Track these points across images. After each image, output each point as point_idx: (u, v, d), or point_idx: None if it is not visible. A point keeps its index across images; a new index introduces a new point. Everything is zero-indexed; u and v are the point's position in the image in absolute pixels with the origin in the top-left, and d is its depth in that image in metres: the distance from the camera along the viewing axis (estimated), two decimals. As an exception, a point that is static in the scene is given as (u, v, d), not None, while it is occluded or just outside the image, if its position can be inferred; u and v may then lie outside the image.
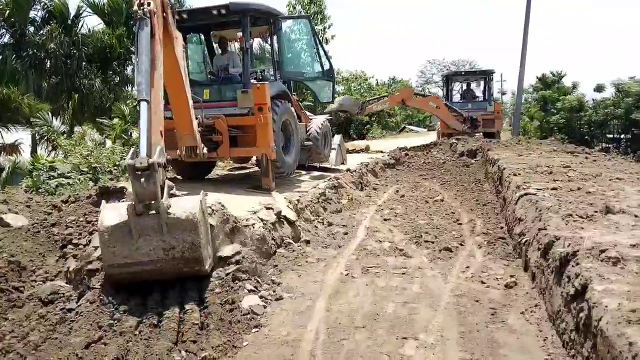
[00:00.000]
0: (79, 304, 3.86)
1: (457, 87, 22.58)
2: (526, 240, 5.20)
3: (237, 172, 11.13)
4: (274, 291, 4.64)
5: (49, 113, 15.92)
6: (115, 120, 13.53)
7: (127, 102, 15.78)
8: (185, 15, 8.44)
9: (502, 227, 7.03)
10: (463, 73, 23.82)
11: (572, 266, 3.54)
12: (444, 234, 6.80)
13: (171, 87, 6.09)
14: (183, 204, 4.11)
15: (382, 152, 16.51)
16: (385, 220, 7.71)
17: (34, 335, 3.52)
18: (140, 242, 3.84)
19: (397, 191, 10.40)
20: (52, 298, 3.99)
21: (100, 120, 15.04)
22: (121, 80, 21.00)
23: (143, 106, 4.26)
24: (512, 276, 4.95)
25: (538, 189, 6.33)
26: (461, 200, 9.35)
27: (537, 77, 36.79)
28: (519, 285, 4.75)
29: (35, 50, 18.27)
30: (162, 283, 4.21)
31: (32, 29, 19.27)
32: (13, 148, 19.55)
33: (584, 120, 28.50)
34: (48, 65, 17.57)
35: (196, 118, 7.17)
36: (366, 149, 17.80)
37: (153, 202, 3.87)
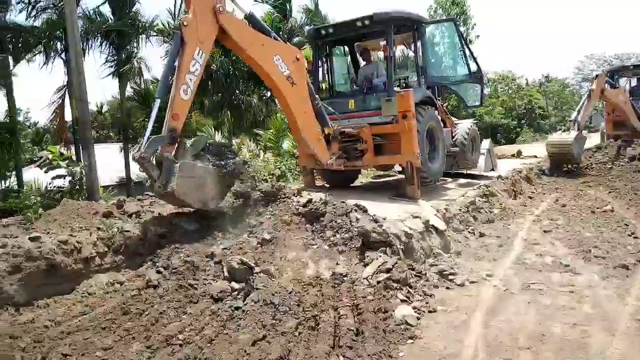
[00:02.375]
0: (245, 302, 4.17)
1: (623, 84, 19.99)
2: None
3: (381, 180, 11.16)
4: (427, 303, 4.53)
5: (212, 127, 17.65)
6: (270, 131, 14.50)
7: (277, 114, 16.84)
8: (330, 30, 8.75)
9: (691, 243, 6.05)
10: (632, 67, 20.99)
11: None
12: (617, 248, 6.05)
13: (273, 92, 6.98)
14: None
15: (536, 157, 15.29)
16: (545, 231, 7.11)
17: (208, 329, 3.88)
18: None
19: (557, 200, 9.53)
20: (222, 296, 4.35)
21: (256, 131, 16.22)
22: (272, 95, 22.48)
23: (155, 103, 5.62)
24: None
25: None
26: (635, 210, 8.25)
27: None
28: None
29: (200, 71, 20.47)
30: (316, 286, 4.38)
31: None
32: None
33: None
34: (210, 84, 19.46)
35: (326, 127, 7.50)
36: (517, 154, 16.63)
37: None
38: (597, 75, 14.99)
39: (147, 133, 5.69)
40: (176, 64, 5.88)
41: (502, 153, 16.46)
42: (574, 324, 3.98)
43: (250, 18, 6.86)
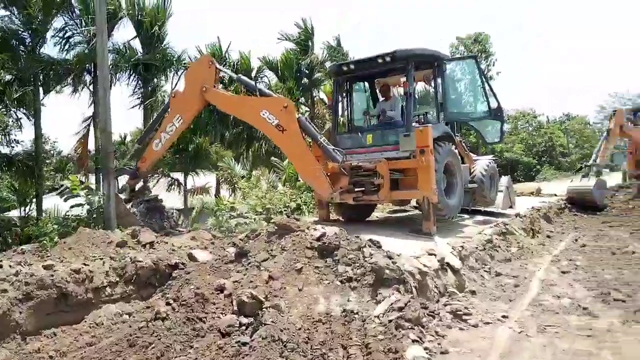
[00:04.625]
0: (252, 338, 4.11)
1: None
2: None
3: (397, 215, 11.08)
4: (439, 344, 4.40)
5: (232, 159, 17.90)
6: (285, 162, 14.63)
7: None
8: (352, 66, 8.89)
9: None
10: (655, 106, 20.78)
11: None
12: (638, 292, 5.83)
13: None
14: None
15: (556, 195, 15.06)
16: (563, 272, 6.92)
17: (214, 364, 3.83)
18: None
19: (577, 240, 9.32)
20: (229, 330, 4.31)
21: (274, 161, 16.40)
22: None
23: (134, 146, 7.38)
24: None
25: None
26: (659, 252, 7.99)
27: None
28: None
29: (221, 104, 20.95)
30: (326, 323, 4.31)
31: (220, 85, 22.16)
32: (204, 190, 22.36)
33: None
34: (231, 117, 19.84)
35: (332, 162, 7.86)
36: (537, 192, 16.41)
37: None
38: (614, 112, 14.85)
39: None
40: None
41: (521, 190, 16.25)
42: (593, 371, 3.82)
43: (238, 80, 8.26)
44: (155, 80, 21.30)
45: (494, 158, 11.44)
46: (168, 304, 4.75)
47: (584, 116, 51.46)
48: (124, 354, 3.95)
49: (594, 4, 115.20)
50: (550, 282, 6.46)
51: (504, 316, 5.14)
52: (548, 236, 9.96)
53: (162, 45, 20.58)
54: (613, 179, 18.24)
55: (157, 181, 21.25)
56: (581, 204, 13.27)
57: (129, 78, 20.40)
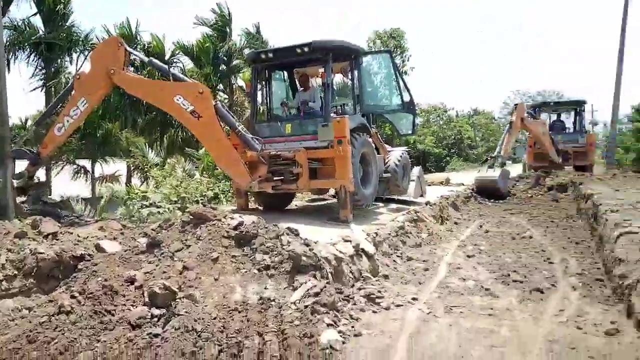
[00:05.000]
0: (164, 329, 3.99)
1: (545, 118, 21.51)
2: (629, 284, 4.73)
3: (315, 204, 11.22)
4: (353, 327, 4.53)
5: (146, 145, 17.13)
6: (202, 151, 14.27)
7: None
8: (270, 54, 8.82)
9: (598, 268, 6.48)
10: (552, 104, 22.64)
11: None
12: (534, 273, 6.36)
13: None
14: None
15: (463, 184, 15.99)
16: (468, 256, 7.37)
17: (123, 358, 3.67)
18: None
19: (481, 226, 9.97)
20: (140, 322, 4.15)
21: (189, 151, 15.92)
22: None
23: (31, 130, 6.90)
24: (613, 322, 4.50)
25: (641, 228, 5.79)
26: (551, 237, 8.76)
27: (632, 107, 34.29)
28: (622, 332, 4.30)
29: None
30: (242, 311, 4.29)
31: (132, 68, 21.06)
32: (113, 178, 21.21)
33: (687, 153, 25.96)
34: (144, 102, 18.97)
35: (250, 150, 7.74)
36: (446, 182, 17.32)
37: None
38: (516, 105, 15.99)
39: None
40: None
41: (431, 180, 17.07)
42: (492, 346, 4.12)
43: (149, 64, 7.81)
44: (60, 61, 19.82)
45: (407, 149, 11.91)
46: (73, 297, 4.47)
47: (490, 111, 55.14)
48: (23, 351, 3.67)
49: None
50: (456, 265, 6.86)
51: (414, 298, 5.39)
52: (455, 223, 10.56)
53: (67, 24, 19.16)
54: (515, 170, 19.71)
55: (62, 168, 19.88)
56: (487, 192, 14.22)
57: (29, 58, 18.83)
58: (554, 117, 20.98)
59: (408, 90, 10.26)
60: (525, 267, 6.68)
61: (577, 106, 20.32)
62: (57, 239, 5.69)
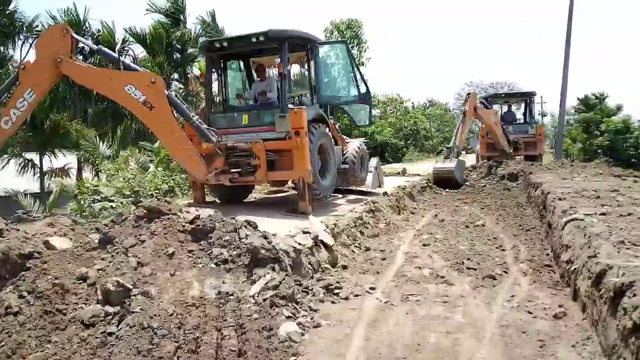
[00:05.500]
0: (119, 327, 3.89)
1: (496, 109, 22.15)
2: (575, 268, 4.96)
3: (274, 196, 11.18)
4: (312, 318, 4.56)
5: (97, 137, 16.52)
6: (157, 145, 13.91)
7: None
8: (225, 43, 8.66)
9: (547, 254, 6.76)
10: (503, 95, 23.35)
11: (629, 297, 3.33)
12: (486, 260, 6.58)
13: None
14: None
15: (419, 175, 16.30)
16: (424, 245, 7.54)
17: (76, 358, 3.56)
18: None
19: (436, 215, 10.20)
20: (94, 321, 4.02)
21: (143, 144, 15.49)
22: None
23: None
24: (560, 306, 4.72)
25: (586, 214, 6.07)
26: (503, 225, 9.07)
27: (578, 99, 35.83)
28: (569, 315, 4.52)
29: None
30: (200, 307, 4.23)
31: (80, 57, 20.23)
32: (63, 172, 20.36)
33: (630, 143, 27.44)
34: (94, 92, 18.29)
35: (206, 142, 7.55)
36: (403, 172, 17.63)
37: None
38: (469, 94, 16.38)
39: None
40: None
41: (389, 171, 17.33)
42: (447, 333, 4.24)
43: (98, 52, 7.52)
44: (3, 49, 18.82)
45: (365, 140, 12.03)
46: (21, 297, 4.27)
47: (445, 103, 56.35)
48: (-34, 356, 3.51)
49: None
50: (413, 254, 7.00)
51: (371, 288, 5.48)
52: (412, 212, 10.77)
53: (9, 9, 18.19)
54: (468, 160, 20.26)
55: (7, 162, 18.96)
56: (444, 182, 14.60)
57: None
58: (505, 108, 21.63)
59: (364, 81, 10.35)
60: (478, 254, 6.89)
61: (527, 97, 21.01)
62: (3, 237, 5.41)
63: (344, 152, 10.26)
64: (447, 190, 14.19)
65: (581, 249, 5.10)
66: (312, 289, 5.27)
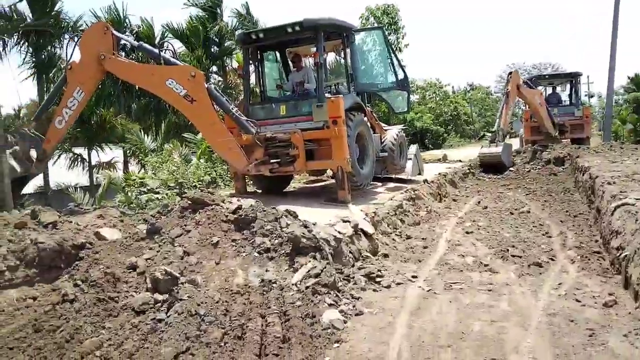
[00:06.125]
0: (168, 314, 4.03)
1: (541, 90, 21.40)
2: (626, 255, 4.78)
3: (313, 185, 11.24)
4: (354, 306, 4.58)
5: (141, 131, 17.04)
6: (199, 137, 14.21)
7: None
8: (260, 35, 8.72)
9: (596, 241, 6.54)
10: (547, 76, 22.46)
11: (685, 286, 3.19)
12: (532, 247, 6.42)
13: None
14: None
15: (460, 161, 16.01)
16: (467, 233, 7.42)
17: (128, 344, 3.72)
18: None
19: (479, 202, 10.01)
20: (144, 308, 4.19)
21: (186, 136, 15.86)
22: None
23: (32, 126, 7.48)
24: (611, 294, 4.57)
25: (637, 199, 5.83)
26: (549, 211, 8.81)
27: (628, 77, 34.20)
28: (620, 304, 4.37)
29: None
30: (244, 294, 4.34)
31: (123, 54, 20.80)
32: (110, 165, 21.15)
33: (684, 123, 26.05)
34: (137, 88, 18.83)
35: (245, 134, 7.57)
36: (444, 159, 17.35)
37: None
38: (510, 73, 15.77)
39: None
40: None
41: (429, 158, 17.09)
42: (492, 321, 4.17)
43: (139, 48, 7.72)
44: (50, 48, 19.57)
45: (404, 127, 11.90)
46: (76, 285, 4.50)
47: (487, 86, 54.87)
48: (29, 340, 3.72)
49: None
50: (455, 242, 6.90)
51: (413, 276, 5.45)
52: (454, 200, 10.60)
53: (55, 10, 18.86)
54: (513, 144, 19.73)
55: (58, 157, 19.80)
56: (491, 167, 14.38)
57: (18, 45, 18.58)
58: (550, 90, 20.88)
59: (402, 68, 10.20)
60: (523, 241, 6.74)
61: (572, 78, 20.19)
62: (57, 228, 5.68)
63: (383, 140, 10.18)
64: (490, 176, 13.87)
65: (632, 235, 4.91)
66: (353, 277, 5.29)
